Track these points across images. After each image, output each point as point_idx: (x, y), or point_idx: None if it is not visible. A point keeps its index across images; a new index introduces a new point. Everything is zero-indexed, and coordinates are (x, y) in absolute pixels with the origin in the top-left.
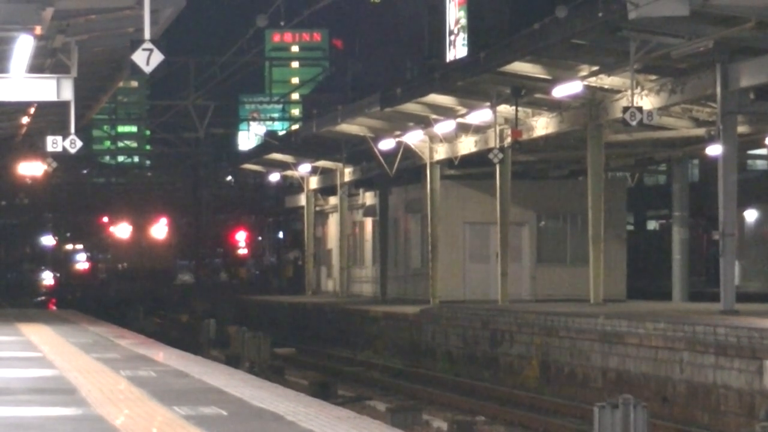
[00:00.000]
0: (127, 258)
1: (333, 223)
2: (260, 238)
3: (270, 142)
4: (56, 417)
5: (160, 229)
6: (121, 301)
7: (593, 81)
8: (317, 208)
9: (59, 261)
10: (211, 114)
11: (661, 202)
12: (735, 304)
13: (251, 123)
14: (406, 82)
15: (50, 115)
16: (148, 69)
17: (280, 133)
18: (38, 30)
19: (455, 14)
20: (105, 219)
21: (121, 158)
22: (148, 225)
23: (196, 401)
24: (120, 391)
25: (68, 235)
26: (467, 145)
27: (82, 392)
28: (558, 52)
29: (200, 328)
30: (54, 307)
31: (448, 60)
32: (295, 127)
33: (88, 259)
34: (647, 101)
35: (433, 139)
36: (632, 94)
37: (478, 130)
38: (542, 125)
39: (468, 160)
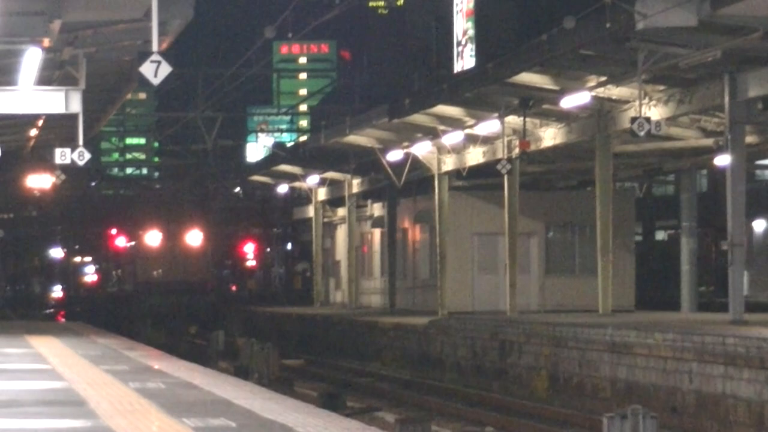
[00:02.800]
0: (157, 270)
1: (341, 235)
2: (268, 249)
3: (278, 153)
4: (66, 429)
5: (194, 237)
6: (156, 317)
7: (601, 91)
8: (325, 220)
9: (68, 273)
10: (219, 126)
11: (670, 213)
12: (744, 314)
13: (259, 134)
14: (414, 93)
15: (58, 128)
16: (156, 81)
17: (288, 145)
18: (46, 42)
19: (463, 25)
20: (130, 227)
21: (129, 170)
22: (181, 233)
23: (205, 413)
24: (129, 403)
25: (77, 247)
26: (475, 156)
27: (92, 404)
28: (566, 62)
29: (209, 339)
30: (62, 320)
31: (455, 71)
32: (303, 138)
33: (97, 271)
34: (655, 111)
35: (441, 150)
36: (640, 105)
37: (486, 141)
38: (550, 136)
39: (476, 170)
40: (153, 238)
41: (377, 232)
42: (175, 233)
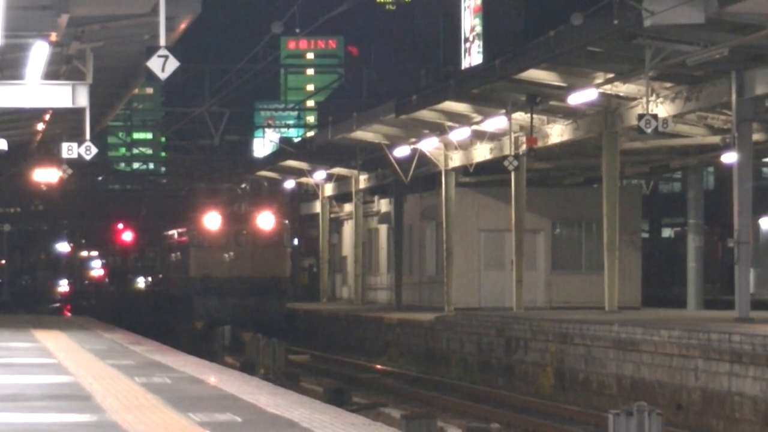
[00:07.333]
0: (219, 263)
1: (348, 230)
2: None
3: (285, 149)
4: (71, 423)
5: (266, 221)
6: (213, 324)
7: (608, 88)
8: (332, 215)
9: (74, 268)
10: (226, 121)
11: (676, 210)
12: (750, 311)
13: (266, 130)
14: (421, 89)
15: (65, 122)
16: (163, 76)
17: (295, 140)
18: (53, 37)
19: (470, 22)
20: (184, 211)
21: (136, 165)
22: (250, 216)
23: (210, 408)
24: (135, 398)
25: (86, 240)
26: (482, 153)
27: (97, 399)
28: (573, 59)
29: (215, 335)
30: (69, 314)
31: (463, 67)
32: (311, 134)
33: (104, 266)
34: (662, 109)
35: (448, 146)
36: (647, 102)
37: (493, 137)
38: (557, 133)
39: (483, 167)
40: (213, 221)
41: (384, 228)
42: (243, 217)
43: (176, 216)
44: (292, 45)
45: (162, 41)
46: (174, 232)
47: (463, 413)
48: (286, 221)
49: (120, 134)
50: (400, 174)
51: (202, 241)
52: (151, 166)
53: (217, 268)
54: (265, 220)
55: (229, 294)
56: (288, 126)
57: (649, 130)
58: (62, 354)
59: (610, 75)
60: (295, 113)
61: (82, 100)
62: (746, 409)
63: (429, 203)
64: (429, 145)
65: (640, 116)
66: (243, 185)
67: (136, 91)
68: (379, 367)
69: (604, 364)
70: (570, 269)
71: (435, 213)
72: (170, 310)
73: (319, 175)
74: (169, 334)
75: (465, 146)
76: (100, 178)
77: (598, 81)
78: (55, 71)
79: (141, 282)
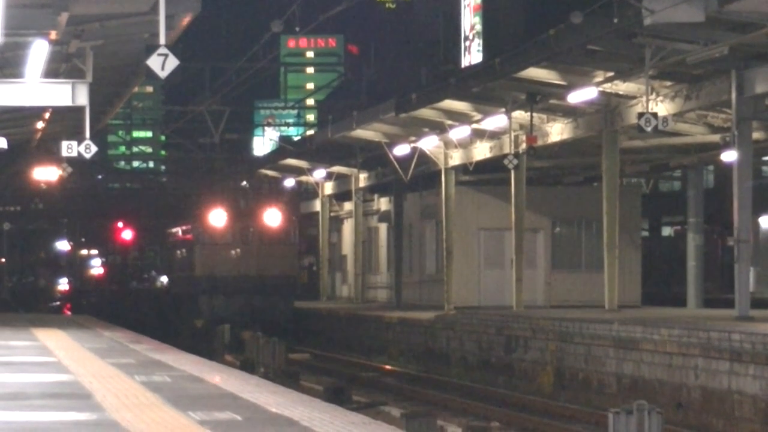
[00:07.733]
0: (225, 261)
1: (348, 229)
2: None
3: (285, 147)
4: (71, 422)
5: (274, 217)
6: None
7: (608, 87)
8: (332, 214)
9: (74, 266)
10: (226, 119)
11: (676, 209)
12: (750, 310)
13: (266, 128)
14: (421, 88)
15: (65, 120)
16: (163, 74)
17: (295, 139)
18: (53, 35)
19: (470, 20)
20: (189, 205)
21: (136, 163)
22: (257, 212)
23: (210, 406)
24: (135, 396)
25: (83, 239)
26: (482, 151)
27: (97, 397)
28: (573, 58)
29: (215, 333)
30: (68, 312)
31: (463, 66)
32: (310, 132)
33: (103, 264)
34: (662, 107)
35: (448, 144)
36: (647, 100)
37: (493, 135)
38: (557, 131)
39: (483, 165)
40: (219, 218)
41: (384, 227)
42: (249, 213)
43: (180, 213)
44: (292, 43)
45: (162, 40)
46: (179, 230)
47: (463, 412)
48: (294, 218)
49: (120, 133)
50: (400, 172)
51: (207, 239)
52: (151, 164)
53: (223, 267)
54: (273, 217)
55: (236, 293)
56: (288, 124)
57: (649, 129)
58: (62, 352)
59: (610, 73)
60: (295, 112)
61: (82, 98)
62: (746, 408)
63: (429, 202)
64: (429, 143)
65: (640, 115)
66: (243, 183)
67: (136, 89)
68: (388, 367)
69: (604, 363)
70: (570, 268)
71: (435, 211)
72: (175, 309)
73: (319, 173)
74: (174, 334)
75: (465, 145)
76: (100, 177)
77: (598, 79)
78: (54, 69)
79: (164, 280)
